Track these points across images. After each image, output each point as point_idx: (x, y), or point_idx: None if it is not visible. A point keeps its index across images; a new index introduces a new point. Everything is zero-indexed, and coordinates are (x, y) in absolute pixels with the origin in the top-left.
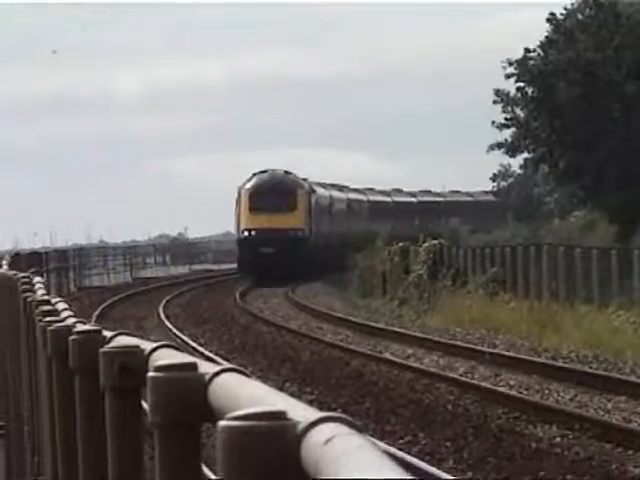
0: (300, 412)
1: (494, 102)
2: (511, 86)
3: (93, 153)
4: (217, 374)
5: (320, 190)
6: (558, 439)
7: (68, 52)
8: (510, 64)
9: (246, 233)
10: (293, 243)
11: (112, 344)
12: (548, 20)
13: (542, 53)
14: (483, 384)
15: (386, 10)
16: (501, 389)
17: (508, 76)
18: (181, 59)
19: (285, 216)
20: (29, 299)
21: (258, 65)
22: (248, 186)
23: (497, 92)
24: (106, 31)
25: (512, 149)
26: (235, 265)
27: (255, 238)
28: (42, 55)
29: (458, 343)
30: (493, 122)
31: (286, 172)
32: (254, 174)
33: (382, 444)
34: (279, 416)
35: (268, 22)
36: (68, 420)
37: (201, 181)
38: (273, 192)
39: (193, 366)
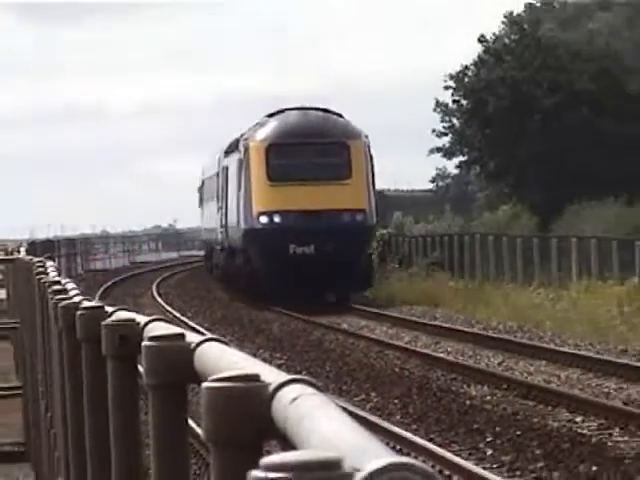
0: (271, 375)
1: (434, 110)
2: (449, 98)
3: (96, 157)
4: (201, 343)
5: None
6: (488, 397)
7: (69, 68)
8: (451, 77)
9: (264, 220)
10: (352, 236)
11: (113, 318)
12: (479, 40)
13: (475, 71)
14: (425, 351)
15: (339, 30)
16: (440, 355)
17: (447, 87)
18: (169, 77)
19: (335, 188)
20: (43, 280)
21: (235, 84)
22: (261, 135)
23: (437, 102)
24: (103, 49)
25: (449, 153)
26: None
27: (281, 229)
28: (49, 70)
29: (404, 316)
30: (433, 130)
31: (327, 111)
32: (269, 115)
33: (339, 402)
34: (254, 379)
35: (243, 48)
36: (76, 382)
37: (188, 179)
38: (311, 145)
39: (181, 336)
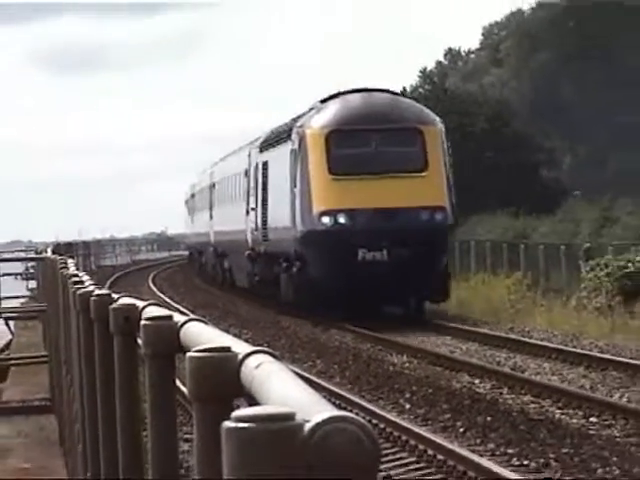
0: (240, 347)
1: None
2: None
3: (107, 180)
4: (186, 322)
5: None
6: (407, 364)
7: (89, 113)
8: None
9: (326, 220)
10: (431, 238)
11: (118, 303)
12: (400, 92)
13: None
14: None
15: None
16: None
17: None
18: (163, 118)
19: (410, 182)
20: (64, 273)
21: (211, 122)
22: (320, 122)
23: None
24: (112, 98)
25: None
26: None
27: (348, 231)
28: (75, 115)
29: None
30: None
31: (394, 93)
32: (325, 99)
33: (292, 367)
34: (226, 350)
35: (227, 90)
36: (89, 353)
37: (175, 195)
38: (379, 132)
39: (170, 317)
